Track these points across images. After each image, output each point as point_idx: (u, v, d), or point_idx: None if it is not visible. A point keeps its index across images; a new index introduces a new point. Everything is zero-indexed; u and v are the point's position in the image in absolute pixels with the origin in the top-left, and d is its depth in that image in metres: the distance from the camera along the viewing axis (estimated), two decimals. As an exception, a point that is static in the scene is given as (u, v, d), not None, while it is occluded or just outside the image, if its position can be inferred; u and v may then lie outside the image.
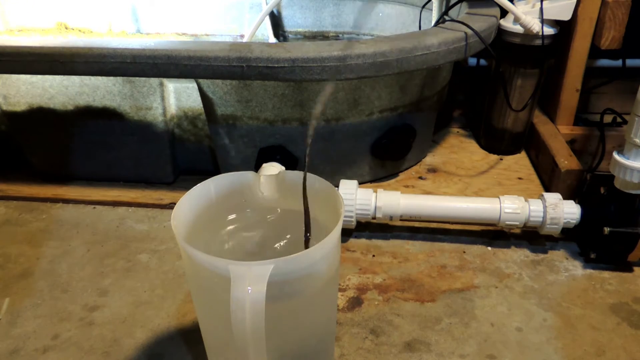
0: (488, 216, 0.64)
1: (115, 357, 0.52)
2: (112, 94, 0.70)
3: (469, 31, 0.68)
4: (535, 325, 0.55)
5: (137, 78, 0.69)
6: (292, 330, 0.40)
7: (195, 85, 0.68)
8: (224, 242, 0.46)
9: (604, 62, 0.91)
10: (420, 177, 0.81)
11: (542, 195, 0.64)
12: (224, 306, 0.34)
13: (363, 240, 0.68)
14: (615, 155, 0.59)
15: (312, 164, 0.73)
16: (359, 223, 0.69)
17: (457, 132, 0.95)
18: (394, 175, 0.81)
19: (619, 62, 0.86)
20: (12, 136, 0.77)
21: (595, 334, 0.54)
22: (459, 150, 0.89)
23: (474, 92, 0.99)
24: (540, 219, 0.63)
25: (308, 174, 0.44)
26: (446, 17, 0.77)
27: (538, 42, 0.76)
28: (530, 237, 0.68)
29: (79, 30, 1.06)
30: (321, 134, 0.71)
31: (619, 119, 0.80)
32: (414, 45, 0.63)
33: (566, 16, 0.75)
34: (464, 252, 0.66)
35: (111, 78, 0.69)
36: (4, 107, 0.73)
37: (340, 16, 1.05)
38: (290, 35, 1.08)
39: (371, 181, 0.79)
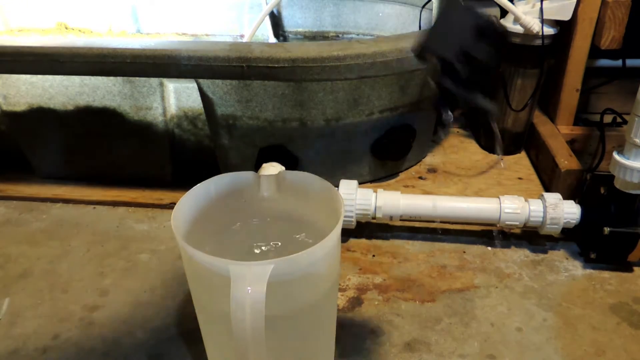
0: (488, 216, 0.64)
1: (115, 357, 0.52)
2: (112, 94, 0.70)
3: (469, 31, 0.68)
4: (535, 325, 0.55)
5: (137, 78, 0.69)
6: (292, 330, 0.40)
7: (195, 85, 0.68)
8: (224, 242, 0.46)
9: (604, 62, 0.91)
10: (420, 177, 0.81)
11: (542, 195, 0.64)
12: (224, 306, 0.34)
13: (363, 240, 0.68)
14: (615, 155, 0.59)
15: (311, 163, 0.73)
16: (359, 223, 0.69)
17: (457, 132, 0.95)
18: (394, 175, 0.81)
19: (619, 62, 0.86)
20: (12, 136, 0.77)
21: (595, 334, 0.54)
22: (459, 150, 0.89)
23: (474, 92, 0.99)
24: (540, 219, 0.63)
25: (307, 174, 0.44)
26: (446, 17, 0.77)
27: (538, 42, 0.76)
28: (530, 237, 0.68)
29: (79, 30, 1.06)
30: (321, 134, 0.71)
31: (619, 119, 0.80)
32: (414, 45, 0.63)
33: (566, 16, 0.75)
34: (464, 252, 0.66)
35: (111, 78, 0.69)
36: (4, 107, 0.73)
37: (340, 16, 1.05)
38: (290, 35, 1.08)
39: (371, 181, 0.79)
